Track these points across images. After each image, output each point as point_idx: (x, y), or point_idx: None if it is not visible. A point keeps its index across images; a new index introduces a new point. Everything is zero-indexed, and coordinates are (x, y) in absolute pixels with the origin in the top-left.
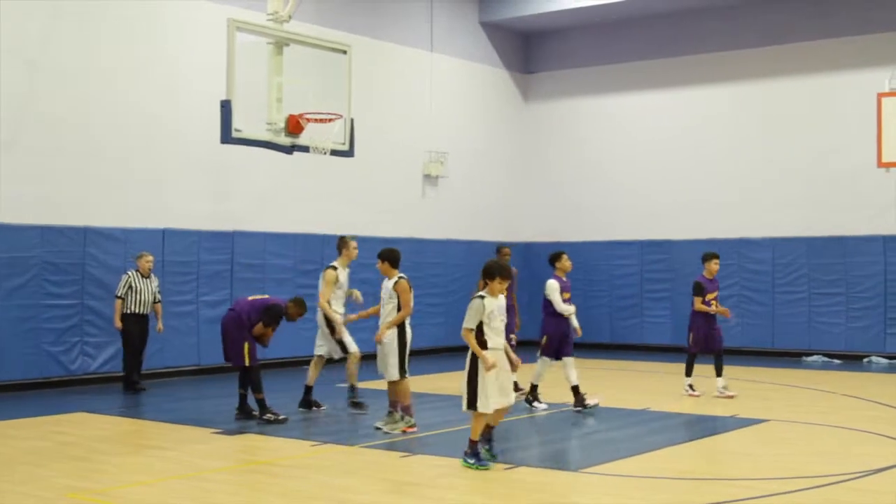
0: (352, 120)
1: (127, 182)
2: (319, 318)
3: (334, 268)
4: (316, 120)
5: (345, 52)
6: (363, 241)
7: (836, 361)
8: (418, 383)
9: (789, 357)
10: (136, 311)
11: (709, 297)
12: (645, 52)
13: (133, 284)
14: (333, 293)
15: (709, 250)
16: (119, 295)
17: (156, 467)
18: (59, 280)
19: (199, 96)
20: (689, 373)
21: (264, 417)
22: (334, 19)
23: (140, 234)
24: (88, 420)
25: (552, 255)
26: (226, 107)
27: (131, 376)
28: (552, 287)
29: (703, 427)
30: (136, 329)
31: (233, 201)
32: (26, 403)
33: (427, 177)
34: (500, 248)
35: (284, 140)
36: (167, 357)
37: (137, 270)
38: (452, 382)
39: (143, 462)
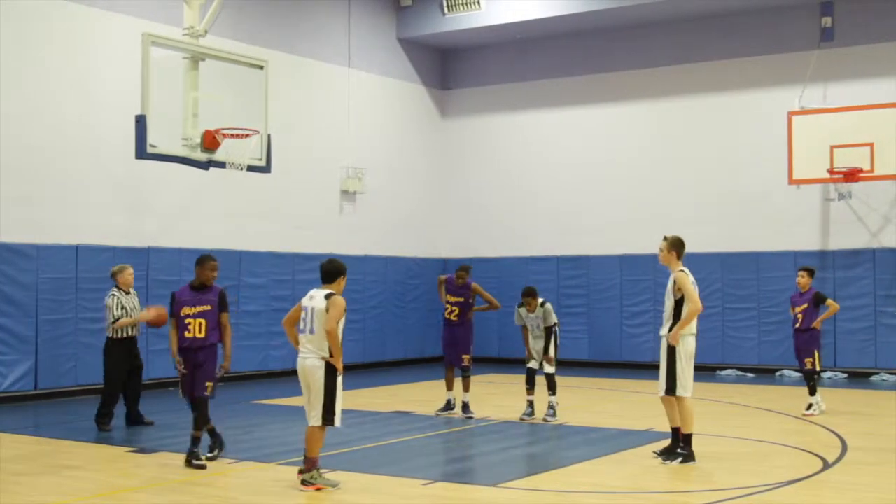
0: (269, 135)
1: (39, 197)
2: None
3: None
4: (232, 135)
5: (261, 68)
6: (281, 258)
7: (750, 375)
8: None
9: (703, 371)
10: (124, 334)
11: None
12: (561, 69)
13: (124, 304)
14: None
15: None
16: (117, 318)
17: (70, 487)
18: None
19: (113, 111)
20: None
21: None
22: (251, 34)
23: (53, 250)
24: None
25: None
26: (140, 122)
27: (109, 411)
28: None
29: (619, 441)
30: (124, 355)
31: (148, 217)
32: None
33: (345, 192)
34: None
35: (200, 155)
36: (80, 375)
37: (118, 287)
38: (372, 398)
39: (56, 482)
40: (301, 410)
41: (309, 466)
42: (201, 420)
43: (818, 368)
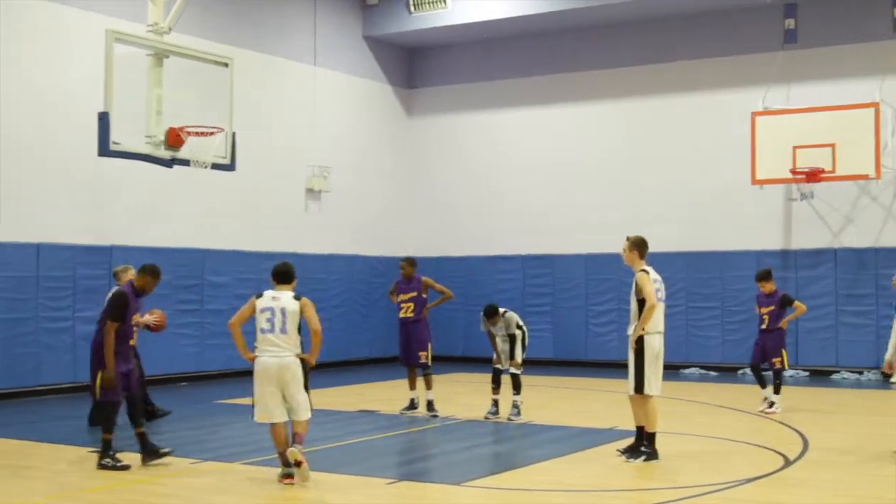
0: (233, 133)
1: (0, 195)
2: None
3: None
4: (196, 133)
5: (226, 65)
6: (245, 256)
7: (713, 373)
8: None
9: (667, 369)
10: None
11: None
12: (527, 69)
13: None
14: None
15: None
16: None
17: (32, 488)
18: None
19: (76, 108)
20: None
21: (103, 462)
22: (216, 32)
23: (14, 248)
24: None
25: None
26: (104, 119)
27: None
28: None
29: (583, 440)
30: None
31: (111, 215)
32: None
33: (310, 191)
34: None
35: (164, 153)
36: (42, 374)
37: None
38: (336, 398)
39: (19, 483)
40: None
41: (300, 441)
42: (143, 413)
43: (786, 367)
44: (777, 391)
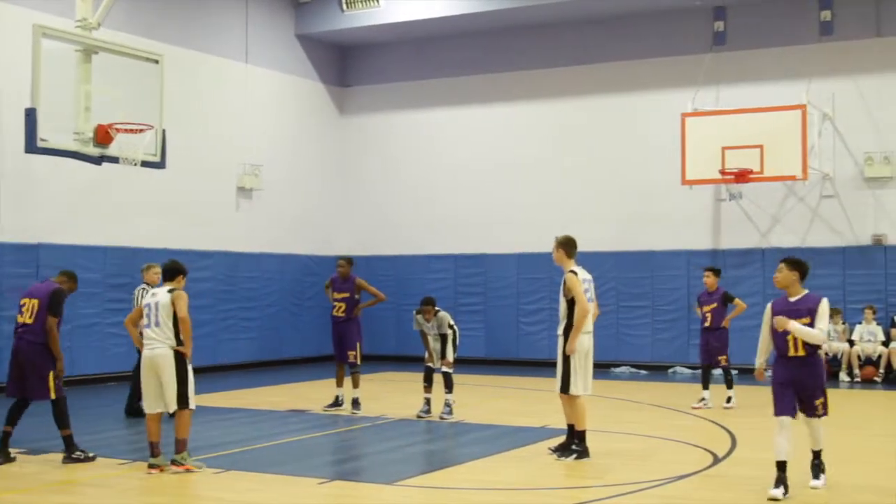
0: (163, 131)
1: None
2: None
3: None
4: (126, 130)
5: (157, 62)
6: (176, 254)
7: (643, 372)
8: (232, 399)
9: (597, 368)
10: None
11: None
12: (460, 68)
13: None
14: None
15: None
16: None
17: None
18: None
19: (2, 104)
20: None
21: (73, 455)
22: (146, 28)
23: None
24: None
25: None
26: (30, 115)
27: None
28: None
29: (515, 438)
30: None
31: (38, 213)
32: None
33: (241, 189)
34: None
35: (93, 150)
36: None
37: (145, 283)
38: (267, 397)
39: None
40: (204, 409)
41: (179, 448)
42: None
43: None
44: (730, 386)
